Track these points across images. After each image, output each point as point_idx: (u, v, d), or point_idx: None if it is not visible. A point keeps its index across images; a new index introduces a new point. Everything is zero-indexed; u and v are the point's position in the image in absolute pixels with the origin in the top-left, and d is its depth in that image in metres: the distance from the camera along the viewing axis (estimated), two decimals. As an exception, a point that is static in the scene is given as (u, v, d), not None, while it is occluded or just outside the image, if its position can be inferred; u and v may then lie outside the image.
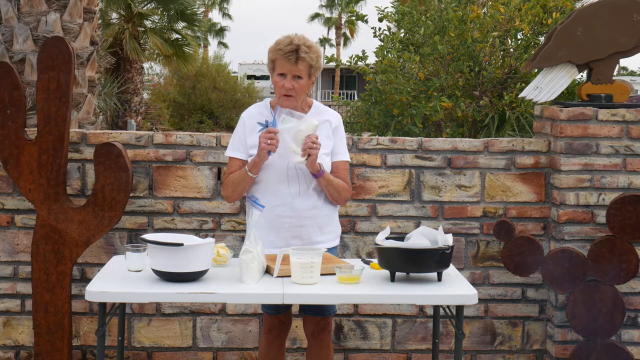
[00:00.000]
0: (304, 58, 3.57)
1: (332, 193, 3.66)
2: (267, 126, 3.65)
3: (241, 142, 3.71)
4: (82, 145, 4.54)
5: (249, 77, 38.11)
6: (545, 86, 4.62)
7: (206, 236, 4.48)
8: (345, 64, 8.19)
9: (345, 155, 3.75)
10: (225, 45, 57.77)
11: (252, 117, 3.72)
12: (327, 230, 3.72)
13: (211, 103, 29.00)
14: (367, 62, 8.05)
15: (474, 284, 4.46)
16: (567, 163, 4.44)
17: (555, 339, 4.52)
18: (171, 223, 4.56)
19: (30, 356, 4.59)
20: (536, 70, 5.69)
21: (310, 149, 3.49)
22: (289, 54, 3.56)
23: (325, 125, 3.69)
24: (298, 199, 3.62)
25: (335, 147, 3.72)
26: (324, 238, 3.70)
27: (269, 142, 3.49)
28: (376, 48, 7.96)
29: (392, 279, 3.41)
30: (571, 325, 4.39)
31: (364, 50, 8.06)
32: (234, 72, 37.97)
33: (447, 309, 3.52)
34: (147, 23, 17.91)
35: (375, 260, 3.63)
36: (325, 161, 3.64)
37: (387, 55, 7.76)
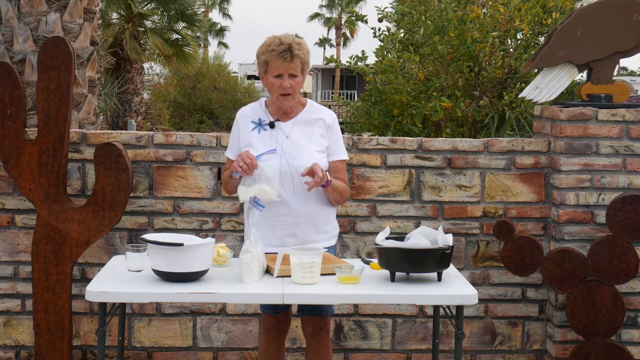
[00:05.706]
0: (298, 55, 3.58)
1: (335, 197, 3.69)
2: (260, 124, 3.67)
3: (235, 143, 3.73)
4: (82, 145, 4.54)
5: (249, 77, 38.07)
6: (545, 86, 4.62)
7: (206, 236, 4.48)
8: (345, 64, 8.18)
9: (343, 154, 3.76)
10: (225, 45, 57.83)
11: (246, 117, 3.73)
12: (323, 230, 3.71)
13: (211, 103, 29.00)
14: (367, 62, 8.04)
15: (474, 284, 4.46)
16: (567, 163, 4.44)
17: (555, 339, 4.52)
18: (171, 223, 4.56)
19: (30, 356, 4.59)
20: (536, 70, 5.69)
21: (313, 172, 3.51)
22: (284, 52, 3.56)
23: (318, 123, 3.70)
24: (292, 196, 3.61)
25: (332, 147, 3.72)
26: (320, 237, 3.69)
27: (241, 164, 3.48)
28: (376, 48, 7.95)
29: (392, 279, 3.41)
30: (571, 325, 4.39)
31: (363, 51, 8.05)
32: (234, 72, 37.98)
33: (447, 309, 3.52)
34: (147, 23, 17.92)
35: (375, 260, 3.63)
36: (317, 158, 3.64)
37: (387, 56, 7.75)
